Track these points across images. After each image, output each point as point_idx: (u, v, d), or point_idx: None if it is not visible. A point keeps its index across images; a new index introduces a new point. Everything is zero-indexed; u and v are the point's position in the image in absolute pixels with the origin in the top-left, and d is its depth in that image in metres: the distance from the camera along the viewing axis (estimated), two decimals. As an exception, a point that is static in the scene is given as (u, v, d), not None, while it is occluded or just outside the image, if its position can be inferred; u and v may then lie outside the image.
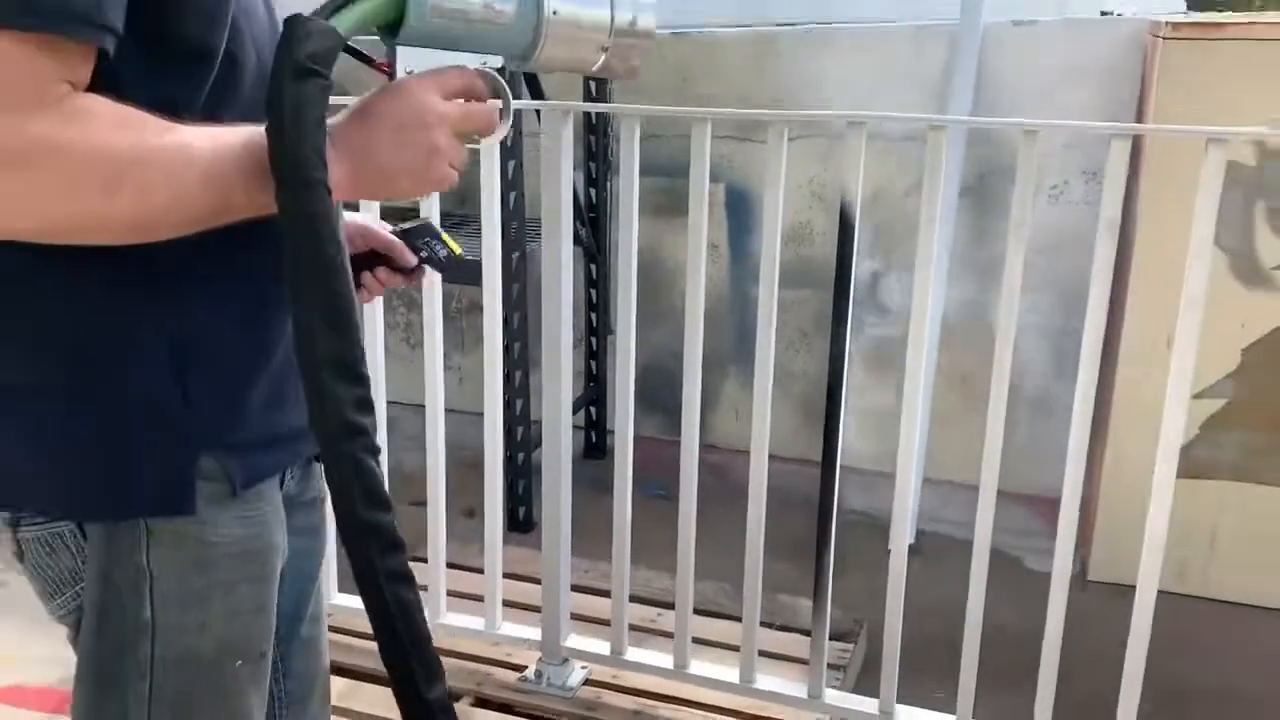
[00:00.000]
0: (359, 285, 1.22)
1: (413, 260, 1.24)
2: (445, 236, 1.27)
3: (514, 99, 1.29)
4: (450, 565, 2.53)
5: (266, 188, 0.84)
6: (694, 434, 2.11)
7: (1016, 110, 3.25)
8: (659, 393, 3.55)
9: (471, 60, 0.98)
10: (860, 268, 3.38)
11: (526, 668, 2.33)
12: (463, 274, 1.20)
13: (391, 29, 0.90)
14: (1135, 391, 2.84)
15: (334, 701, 1.40)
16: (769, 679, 2.18)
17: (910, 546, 3.13)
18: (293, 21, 0.84)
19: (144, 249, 0.86)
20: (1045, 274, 3.28)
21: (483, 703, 2.26)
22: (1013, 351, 1.95)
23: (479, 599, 2.42)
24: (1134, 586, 2.92)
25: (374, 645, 0.89)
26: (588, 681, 2.30)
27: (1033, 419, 3.45)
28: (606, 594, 2.33)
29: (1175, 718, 2.43)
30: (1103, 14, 3.24)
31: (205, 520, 0.97)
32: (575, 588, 2.59)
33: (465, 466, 2.59)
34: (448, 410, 2.31)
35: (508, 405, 3.16)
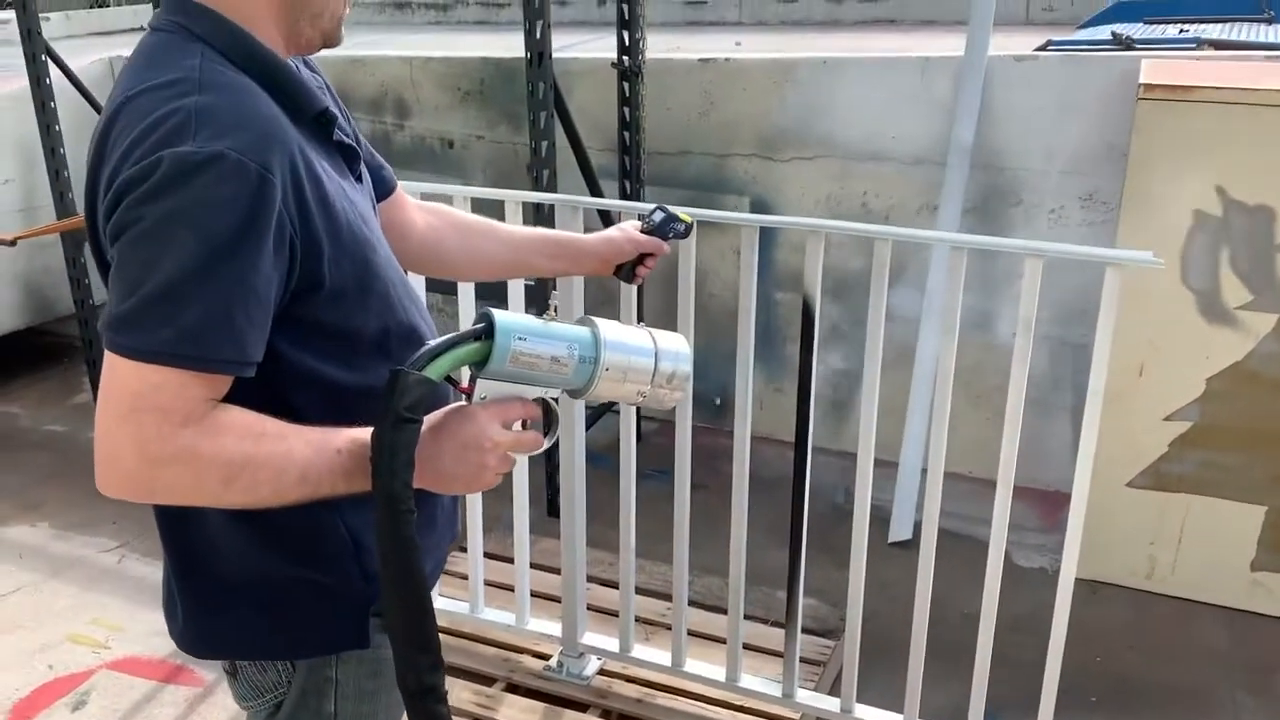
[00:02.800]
0: (634, 276, 1.77)
1: (667, 249, 1.78)
2: (678, 213, 1.80)
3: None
4: (489, 555, 2.95)
5: (353, 484, 1.14)
6: (686, 474, 2.46)
7: (1016, 138, 3.48)
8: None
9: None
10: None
11: (550, 656, 2.75)
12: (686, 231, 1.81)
13: (478, 364, 1.20)
14: (1109, 409, 3.11)
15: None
16: (751, 678, 2.56)
17: (906, 541, 3.50)
18: (396, 376, 1.10)
19: None
20: (1045, 290, 3.52)
21: (513, 688, 2.69)
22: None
23: (513, 589, 2.82)
24: (1103, 582, 3.25)
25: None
26: (601, 671, 2.71)
27: (1029, 418, 3.72)
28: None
29: (1117, 709, 2.77)
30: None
31: (377, 644, 1.33)
32: (598, 580, 2.99)
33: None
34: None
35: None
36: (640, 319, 2.80)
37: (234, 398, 1.14)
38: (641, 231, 1.75)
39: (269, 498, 1.14)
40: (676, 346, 1.31)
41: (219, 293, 1.08)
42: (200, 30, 1.18)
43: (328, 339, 1.23)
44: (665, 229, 1.76)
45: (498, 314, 1.19)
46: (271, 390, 1.18)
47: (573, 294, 2.44)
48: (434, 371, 1.15)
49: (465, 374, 1.23)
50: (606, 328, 1.26)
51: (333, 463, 1.15)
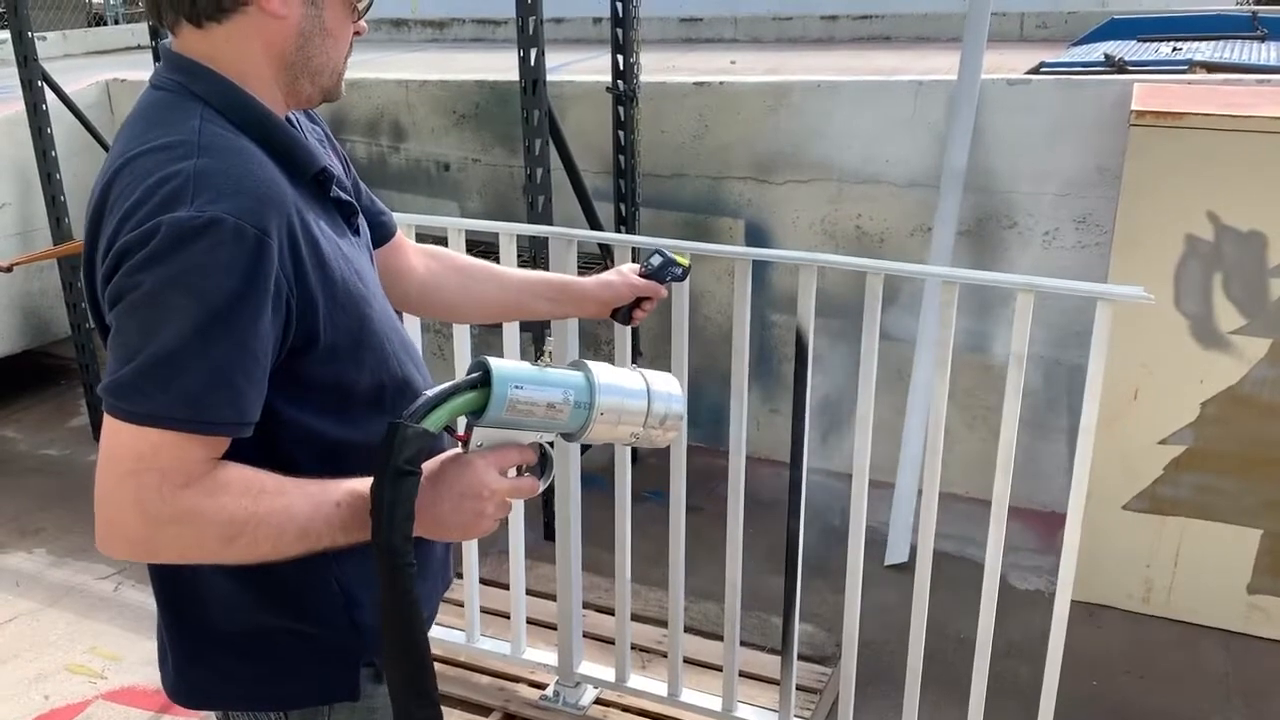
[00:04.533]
0: (631, 319, 1.77)
1: (665, 292, 1.78)
2: (676, 257, 1.80)
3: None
4: (485, 581, 2.94)
5: (352, 536, 1.15)
6: (681, 513, 2.46)
7: (1010, 162, 3.48)
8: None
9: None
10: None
11: (547, 685, 2.75)
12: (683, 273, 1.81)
13: (475, 413, 1.20)
14: (1104, 432, 3.11)
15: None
16: (747, 707, 2.56)
17: (902, 564, 3.49)
18: (394, 428, 1.10)
19: None
20: (1039, 311, 3.53)
21: (509, 717, 2.69)
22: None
23: (509, 616, 2.82)
24: (1100, 605, 3.25)
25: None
26: (598, 700, 2.71)
27: (1024, 439, 3.73)
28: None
29: (1115, 738, 2.77)
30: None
31: (368, 695, 1.35)
32: (594, 606, 2.99)
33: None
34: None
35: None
36: (636, 345, 2.82)
37: (230, 452, 1.15)
38: (639, 275, 1.76)
39: (269, 553, 1.15)
40: (669, 388, 1.32)
41: (218, 357, 1.08)
42: (200, 89, 1.19)
43: (322, 393, 1.24)
44: (663, 273, 1.76)
45: (494, 363, 1.20)
46: (267, 444, 1.18)
47: (567, 336, 2.45)
48: (432, 423, 1.15)
49: (461, 421, 1.23)
50: (600, 371, 1.27)
51: (331, 516, 1.16)
